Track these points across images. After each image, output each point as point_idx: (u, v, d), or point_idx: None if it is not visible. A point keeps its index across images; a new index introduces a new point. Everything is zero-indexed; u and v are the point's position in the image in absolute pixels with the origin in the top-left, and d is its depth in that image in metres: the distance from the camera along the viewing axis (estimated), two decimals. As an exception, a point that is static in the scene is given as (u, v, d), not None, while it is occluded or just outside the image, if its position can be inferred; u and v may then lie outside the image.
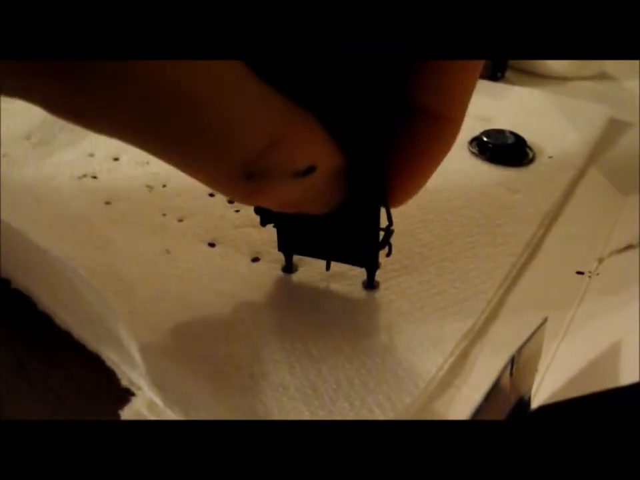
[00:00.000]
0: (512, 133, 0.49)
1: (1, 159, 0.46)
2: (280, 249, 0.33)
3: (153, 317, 0.31)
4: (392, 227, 0.30)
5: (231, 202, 0.41)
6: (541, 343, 0.28)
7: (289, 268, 0.35)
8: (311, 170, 0.23)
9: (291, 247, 0.33)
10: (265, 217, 0.31)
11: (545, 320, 0.27)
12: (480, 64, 0.25)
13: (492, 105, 0.55)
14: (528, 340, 0.26)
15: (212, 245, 0.37)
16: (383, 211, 0.29)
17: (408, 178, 0.26)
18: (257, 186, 0.22)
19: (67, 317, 0.34)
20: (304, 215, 0.26)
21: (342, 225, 0.29)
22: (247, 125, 0.20)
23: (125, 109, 0.18)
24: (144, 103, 0.18)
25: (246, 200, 0.23)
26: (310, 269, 0.35)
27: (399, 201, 0.28)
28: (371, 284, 0.33)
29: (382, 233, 0.30)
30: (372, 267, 0.33)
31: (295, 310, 0.32)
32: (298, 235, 0.32)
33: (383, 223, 0.29)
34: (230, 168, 0.21)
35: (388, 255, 0.31)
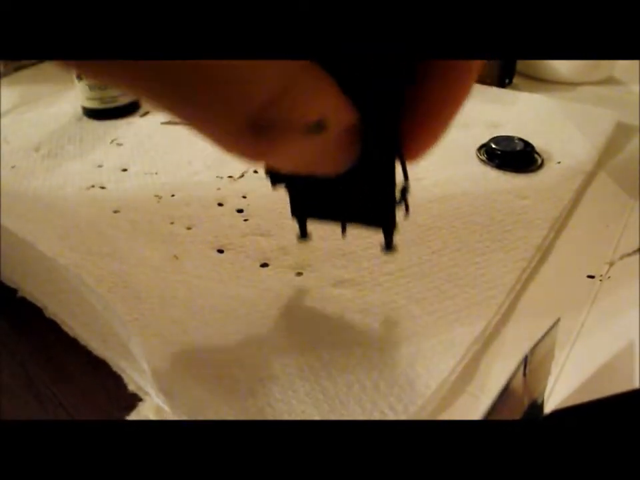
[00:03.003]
0: (520, 139, 0.49)
1: (10, 170, 0.47)
2: (293, 213, 0.32)
3: (160, 323, 0.31)
4: (408, 183, 0.28)
5: (239, 211, 0.41)
6: (554, 344, 0.27)
7: (303, 233, 0.33)
8: (321, 125, 0.22)
9: (305, 210, 0.32)
10: (275, 177, 0.29)
11: (558, 320, 0.27)
12: None
13: (500, 112, 0.55)
14: (540, 340, 0.26)
15: (220, 251, 0.37)
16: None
17: (424, 129, 0.25)
18: (266, 142, 0.21)
19: (74, 325, 0.34)
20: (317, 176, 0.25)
21: (357, 184, 0.28)
22: (254, 75, 0.20)
23: (135, 65, 0.18)
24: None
25: (256, 158, 0.23)
26: (320, 275, 0.35)
27: (416, 154, 0.27)
28: (389, 245, 0.32)
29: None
30: (389, 225, 0.31)
31: (304, 314, 0.32)
32: (311, 197, 0.31)
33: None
34: (238, 120, 0.20)
35: (406, 212, 0.30)
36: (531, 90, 0.59)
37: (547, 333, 0.26)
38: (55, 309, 0.35)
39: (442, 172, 0.46)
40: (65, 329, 0.34)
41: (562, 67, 0.61)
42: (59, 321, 0.34)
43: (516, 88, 0.61)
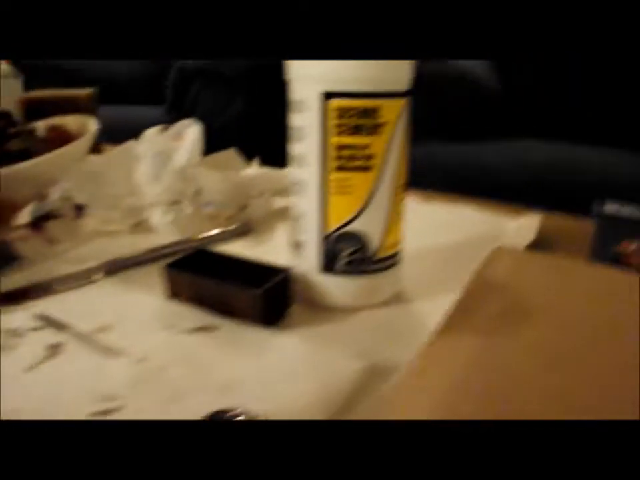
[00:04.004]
0: (248, 410, 0.37)
1: None
2: None
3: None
4: None
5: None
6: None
7: None
8: None
9: None
10: None
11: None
12: None
13: (240, 368, 0.43)
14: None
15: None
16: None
17: None
18: None
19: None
20: None
21: None
22: None
23: None
24: None
25: None
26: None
27: None
28: None
29: None
30: None
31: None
32: None
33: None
34: None
35: None
36: (306, 321, 0.49)
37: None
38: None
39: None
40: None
41: (340, 293, 0.50)
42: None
43: (293, 317, 0.50)
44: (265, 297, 0.46)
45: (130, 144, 0.67)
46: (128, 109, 1.99)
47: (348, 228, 0.46)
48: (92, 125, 0.68)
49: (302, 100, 0.44)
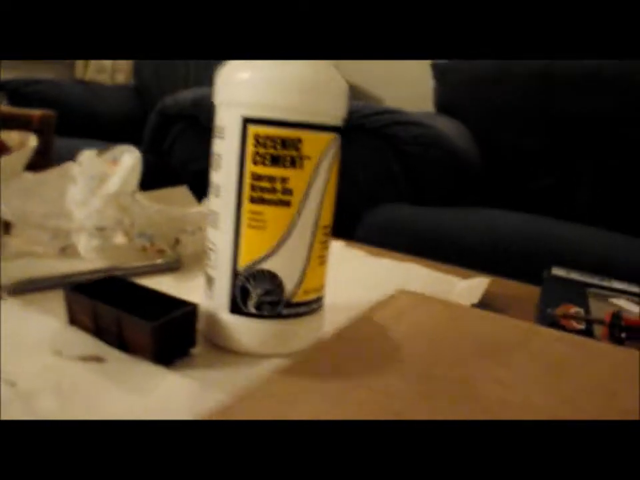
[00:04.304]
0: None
1: None
2: None
3: None
4: None
5: None
6: None
7: None
8: None
9: None
10: None
11: None
12: None
13: (116, 405, 0.38)
14: None
15: None
16: None
17: None
18: None
19: None
20: None
21: None
22: None
23: None
24: None
25: None
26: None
27: None
28: None
29: None
30: None
31: None
32: None
33: None
34: None
35: None
36: (206, 363, 0.45)
37: None
38: None
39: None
40: None
41: (248, 337, 0.45)
42: None
43: (192, 358, 0.45)
44: (158, 332, 0.42)
45: (67, 165, 0.65)
46: (106, 145, 1.99)
47: (260, 266, 0.43)
48: (31, 142, 0.66)
49: (223, 126, 0.42)
